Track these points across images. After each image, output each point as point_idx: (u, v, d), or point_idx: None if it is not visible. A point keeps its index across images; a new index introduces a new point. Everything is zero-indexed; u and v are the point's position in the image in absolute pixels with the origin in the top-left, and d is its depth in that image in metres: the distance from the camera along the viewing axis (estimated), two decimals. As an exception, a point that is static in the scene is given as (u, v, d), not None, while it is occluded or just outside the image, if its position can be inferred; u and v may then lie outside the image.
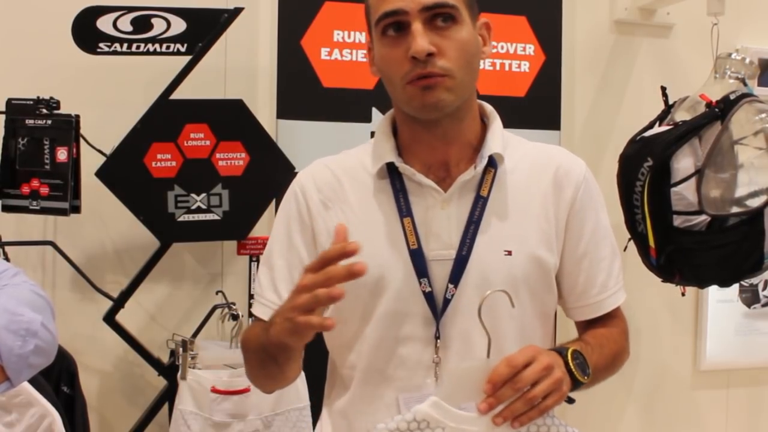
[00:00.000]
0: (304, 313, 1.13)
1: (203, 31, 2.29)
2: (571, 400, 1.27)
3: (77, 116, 2.23)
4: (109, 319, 2.29)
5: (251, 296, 2.40)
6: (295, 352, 1.26)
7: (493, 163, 1.35)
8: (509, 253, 1.32)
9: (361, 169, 1.39)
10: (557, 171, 1.38)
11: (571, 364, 1.22)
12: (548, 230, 1.36)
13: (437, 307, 1.31)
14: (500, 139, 1.37)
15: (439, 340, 1.31)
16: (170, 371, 2.32)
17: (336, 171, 1.41)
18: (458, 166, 1.35)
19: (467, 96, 1.34)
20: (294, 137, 2.43)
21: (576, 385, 1.23)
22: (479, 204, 1.33)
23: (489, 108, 1.42)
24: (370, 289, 1.33)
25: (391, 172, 1.35)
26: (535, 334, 1.37)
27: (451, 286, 1.31)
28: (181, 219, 2.27)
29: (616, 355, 1.40)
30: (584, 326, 1.45)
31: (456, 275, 1.31)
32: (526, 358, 1.16)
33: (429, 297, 1.31)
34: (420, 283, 1.31)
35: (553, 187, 1.37)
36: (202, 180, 2.28)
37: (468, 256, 1.31)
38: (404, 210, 1.33)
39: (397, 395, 1.33)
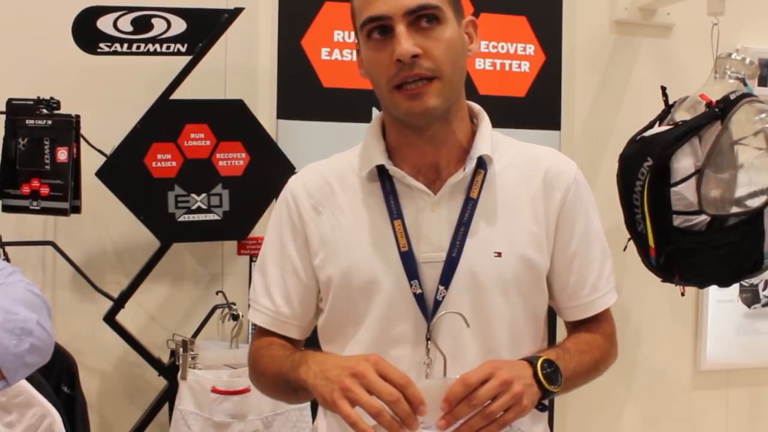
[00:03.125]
0: (350, 400, 1.15)
1: (203, 31, 2.29)
2: (544, 408, 1.27)
3: (77, 116, 2.23)
4: (110, 319, 2.30)
5: (251, 296, 2.41)
6: None
7: (482, 164, 1.35)
8: (499, 254, 1.32)
9: (351, 172, 1.40)
10: (547, 172, 1.38)
11: (540, 374, 1.23)
12: (538, 232, 1.36)
13: (428, 309, 1.31)
14: (489, 140, 1.36)
15: (430, 342, 1.31)
16: (170, 371, 2.32)
17: (326, 175, 1.41)
18: (448, 168, 1.35)
19: (456, 97, 1.33)
20: (294, 137, 2.43)
21: (546, 393, 1.24)
22: (469, 206, 1.33)
23: (477, 108, 1.42)
24: (362, 291, 1.34)
25: (381, 174, 1.36)
26: (526, 336, 1.37)
27: (441, 287, 1.31)
28: (181, 219, 2.28)
29: (599, 360, 1.40)
30: (573, 326, 1.45)
31: (446, 277, 1.31)
32: (482, 375, 1.17)
33: (420, 299, 1.31)
34: (411, 285, 1.31)
35: (543, 188, 1.37)
36: (203, 180, 2.28)
37: (458, 258, 1.31)
38: (395, 212, 1.33)
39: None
